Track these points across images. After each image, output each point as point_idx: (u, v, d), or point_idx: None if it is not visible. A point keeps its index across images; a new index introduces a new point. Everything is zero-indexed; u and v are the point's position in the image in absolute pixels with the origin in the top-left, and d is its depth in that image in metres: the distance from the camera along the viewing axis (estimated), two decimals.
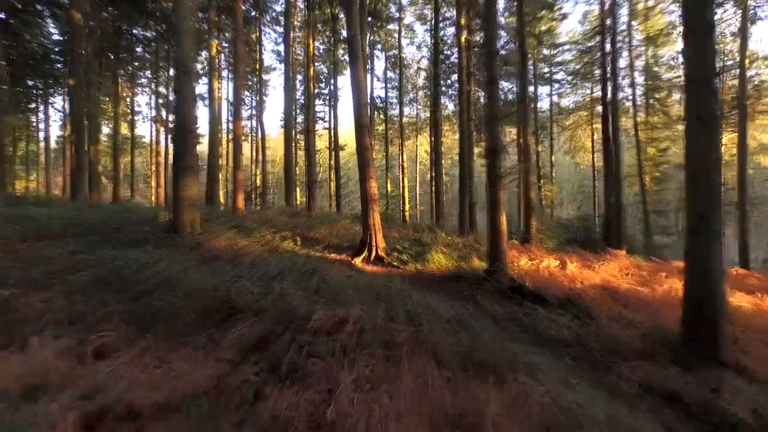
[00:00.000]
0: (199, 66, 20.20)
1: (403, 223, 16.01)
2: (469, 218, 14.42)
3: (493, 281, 6.34)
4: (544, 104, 25.42)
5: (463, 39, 13.84)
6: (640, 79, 20.04)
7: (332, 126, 22.41)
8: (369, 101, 21.32)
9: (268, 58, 46.92)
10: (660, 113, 20.95)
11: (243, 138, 29.86)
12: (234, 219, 9.26)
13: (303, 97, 21.10)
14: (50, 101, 24.59)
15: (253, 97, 26.60)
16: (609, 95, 13.66)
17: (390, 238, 8.85)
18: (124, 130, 23.85)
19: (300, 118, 22.18)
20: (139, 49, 20.43)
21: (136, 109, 24.33)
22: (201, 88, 22.47)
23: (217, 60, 15.99)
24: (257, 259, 6.14)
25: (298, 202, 22.05)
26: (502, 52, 14.43)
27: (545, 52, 22.28)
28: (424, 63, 24.22)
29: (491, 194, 6.68)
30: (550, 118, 24.47)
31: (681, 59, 12.36)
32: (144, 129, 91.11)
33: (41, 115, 26.36)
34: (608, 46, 13.74)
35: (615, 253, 10.25)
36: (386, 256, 7.76)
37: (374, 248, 7.87)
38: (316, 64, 21.53)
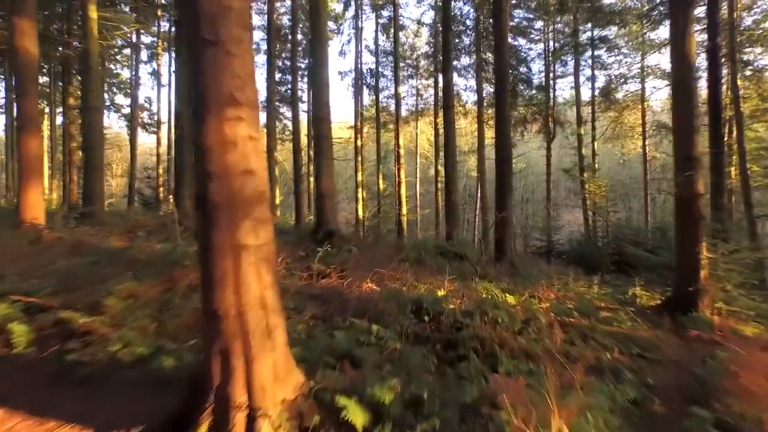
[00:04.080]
0: None
1: (399, 239, 10.10)
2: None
3: None
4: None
5: None
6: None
7: (309, 109, 17.97)
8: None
9: None
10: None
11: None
12: None
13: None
14: None
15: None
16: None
17: (355, 325, 2.97)
18: None
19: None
20: None
21: None
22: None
23: None
24: None
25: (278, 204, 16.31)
26: None
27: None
28: (428, 18, 18.37)
29: None
30: (591, 94, 18.62)
31: None
32: None
33: None
34: None
35: None
36: None
37: None
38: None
